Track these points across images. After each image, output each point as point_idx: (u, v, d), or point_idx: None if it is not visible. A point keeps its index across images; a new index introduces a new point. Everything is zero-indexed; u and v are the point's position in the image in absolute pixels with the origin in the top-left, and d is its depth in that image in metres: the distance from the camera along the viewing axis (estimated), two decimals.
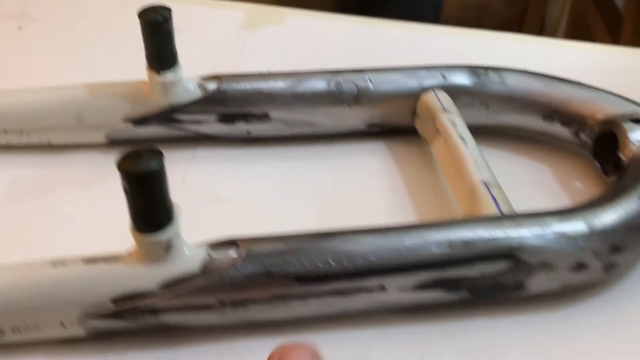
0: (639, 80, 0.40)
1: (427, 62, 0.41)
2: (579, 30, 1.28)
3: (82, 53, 0.47)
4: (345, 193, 0.37)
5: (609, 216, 0.30)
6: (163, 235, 0.26)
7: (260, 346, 0.28)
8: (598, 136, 0.37)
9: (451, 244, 0.29)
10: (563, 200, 0.38)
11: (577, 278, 0.30)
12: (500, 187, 0.33)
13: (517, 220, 0.30)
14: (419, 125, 0.39)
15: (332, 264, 0.28)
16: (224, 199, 0.36)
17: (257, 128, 0.38)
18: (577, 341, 0.30)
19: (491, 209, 0.31)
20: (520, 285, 0.30)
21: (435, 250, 0.28)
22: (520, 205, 0.33)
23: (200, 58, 0.44)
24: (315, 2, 0.68)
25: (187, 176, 0.37)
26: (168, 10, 0.34)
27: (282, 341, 0.24)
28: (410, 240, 0.28)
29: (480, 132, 0.41)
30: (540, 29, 1.38)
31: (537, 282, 0.30)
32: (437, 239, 0.29)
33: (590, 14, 1.20)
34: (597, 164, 0.37)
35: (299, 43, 0.49)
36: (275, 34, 0.50)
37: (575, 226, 0.30)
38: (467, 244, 0.29)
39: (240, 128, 0.38)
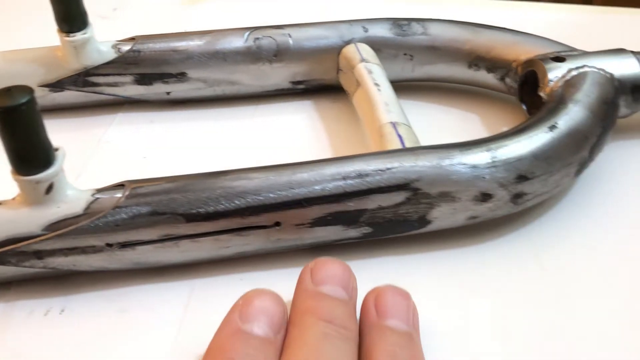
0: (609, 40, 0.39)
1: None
2: None
3: None
4: (268, 149, 0.36)
5: (515, 146, 0.29)
6: (43, 177, 0.26)
7: (158, 291, 0.28)
8: (522, 78, 0.36)
9: (345, 176, 0.28)
10: None
11: (483, 209, 0.29)
12: (410, 127, 0.32)
13: (416, 152, 0.29)
14: (343, 80, 0.38)
15: (222, 201, 0.27)
16: (138, 157, 0.35)
17: (176, 88, 0.38)
18: (489, 273, 0.29)
19: (395, 146, 0.31)
20: (424, 220, 0.29)
21: (329, 184, 0.28)
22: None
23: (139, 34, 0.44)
24: None
25: (104, 137, 0.37)
26: None
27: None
28: (303, 175, 0.28)
29: (407, 86, 0.40)
30: None
31: (441, 215, 0.29)
32: (331, 173, 0.28)
33: None
34: (524, 106, 0.37)
35: (239, 18, 0.48)
36: (214, 9, 0.50)
37: (478, 156, 0.29)
38: (361, 175, 0.28)
39: (158, 89, 0.38)
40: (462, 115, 0.39)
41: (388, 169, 0.28)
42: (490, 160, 0.29)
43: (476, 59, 0.38)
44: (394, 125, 0.32)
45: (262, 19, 0.42)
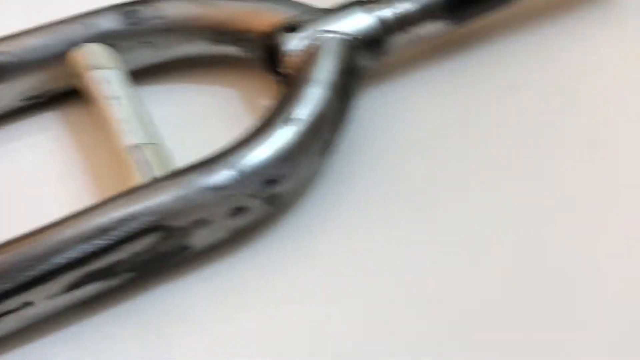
0: None
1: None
2: None
3: None
4: (9, 190, 0.33)
5: (257, 153, 0.29)
6: None
7: None
8: (266, 51, 0.36)
9: (88, 237, 0.26)
10: (247, 121, 0.36)
11: (241, 221, 0.29)
12: (158, 145, 0.31)
13: (158, 186, 0.28)
14: (77, 87, 0.35)
15: None
16: None
17: None
18: (266, 274, 0.30)
19: (142, 176, 0.29)
20: (186, 248, 0.29)
21: (72, 251, 0.26)
22: (204, 138, 0.32)
23: None
24: None
25: None
26: None
27: None
28: (40, 248, 0.26)
29: (155, 71, 0.38)
30: None
31: (202, 239, 0.29)
32: (71, 237, 0.26)
33: None
34: (275, 78, 0.36)
35: None
36: None
37: (220, 176, 0.28)
38: (105, 230, 0.27)
39: None
40: (218, 93, 0.38)
41: (133, 216, 0.27)
42: (234, 177, 0.28)
43: (219, 34, 0.36)
44: (138, 149, 0.30)
45: None
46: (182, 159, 0.30)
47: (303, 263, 0.30)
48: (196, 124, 0.35)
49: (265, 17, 0.36)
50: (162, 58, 0.37)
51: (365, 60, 0.35)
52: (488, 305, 0.29)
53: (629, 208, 0.32)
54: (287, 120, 0.30)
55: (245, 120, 0.36)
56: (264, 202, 0.29)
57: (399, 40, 0.35)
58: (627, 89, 0.36)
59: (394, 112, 0.36)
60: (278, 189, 0.29)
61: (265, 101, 0.37)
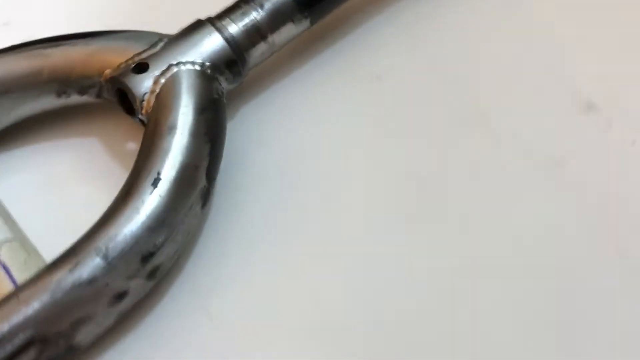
0: None
1: None
2: None
3: None
4: None
5: (124, 231, 0.27)
6: None
7: None
8: (118, 96, 0.32)
9: None
10: (119, 172, 0.33)
11: (126, 304, 0.27)
12: (16, 241, 0.28)
13: (23, 296, 0.25)
14: None
15: None
16: None
17: None
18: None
19: (4, 287, 0.27)
20: (69, 349, 0.26)
21: None
22: (75, 199, 0.31)
23: None
24: None
25: None
26: None
27: None
28: None
29: (9, 136, 0.34)
30: None
31: (88, 333, 0.27)
32: None
33: None
34: (138, 120, 0.33)
35: None
36: None
37: (90, 267, 0.26)
38: None
39: None
40: (83, 145, 0.34)
41: (3, 335, 0.25)
42: (104, 265, 0.26)
43: (61, 85, 0.33)
44: None
45: None
46: (49, 241, 0.28)
47: (202, 325, 0.28)
48: (59, 188, 0.32)
49: (111, 58, 0.32)
50: (8, 120, 0.34)
51: (227, 84, 0.32)
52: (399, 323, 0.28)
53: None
54: (152, 182, 0.28)
55: (110, 171, 0.33)
56: (144, 279, 0.27)
57: (256, 52, 0.33)
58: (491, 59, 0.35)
59: (268, 126, 0.34)
60: (157, 260, 0.27)
61: (131, 145, 0.34)
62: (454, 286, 0.29)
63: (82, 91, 0.33)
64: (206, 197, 0.29)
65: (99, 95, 0.33)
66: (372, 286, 0.29)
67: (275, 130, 0.34)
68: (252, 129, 0.34)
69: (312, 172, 0.33)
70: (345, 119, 0.34)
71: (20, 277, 0.27)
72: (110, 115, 0.35)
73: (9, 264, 0.27)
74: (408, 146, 0.33)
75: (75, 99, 0.33)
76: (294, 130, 0.34)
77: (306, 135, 0.34)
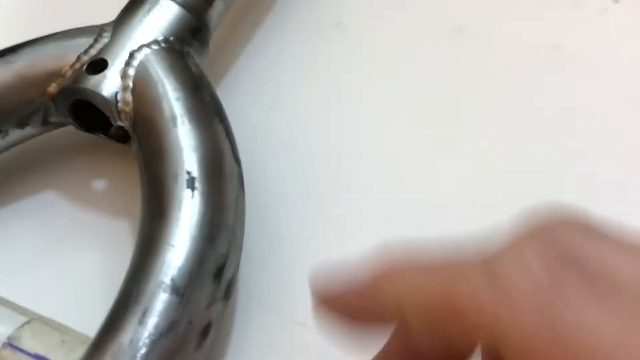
0: None
1: None
2: None
3: None
4: None
5: (181, 249, 0.21)
6: None
7: None
8: (72, 111, 0.26)
9: None
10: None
11: (212, 338, 0.21)
12: (32, 322, 0.21)
13: None
14: None
15: None
16: None
17: None
18: None
19: None
20: None
21: None
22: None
23: None
24: None
25: None
26: None
27: None
28: None
29: None
30: None
31: None
32: None
33: None
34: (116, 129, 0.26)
35: None
36: None
37: (161, 308, 0.20)
38: None
39: None
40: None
41: None
42: (178, 299, 0.20)
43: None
44: (10, 345, 0.20)
45: None
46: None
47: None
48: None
49: (49, 69, 0.25)
50: None
51: (197, 55, 0.27)
52: None
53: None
54: (186, 184, 0.22)
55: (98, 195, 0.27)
56: (223, 301, 0.21)
57: (214, 12, 0.27)
58: None
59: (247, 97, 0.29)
60: (228, 273, 0.21)
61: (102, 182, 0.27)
62: None
63: (21, 123, 0.26)
64: (243, 183, 0.24)
65: (45, 122, 0.26)
66: None
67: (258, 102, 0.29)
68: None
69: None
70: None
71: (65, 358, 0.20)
72: (64, 144, 0.28)
73: (41, 351, 0.20)
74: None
75: (15, 135, 0.26)
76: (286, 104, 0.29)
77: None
